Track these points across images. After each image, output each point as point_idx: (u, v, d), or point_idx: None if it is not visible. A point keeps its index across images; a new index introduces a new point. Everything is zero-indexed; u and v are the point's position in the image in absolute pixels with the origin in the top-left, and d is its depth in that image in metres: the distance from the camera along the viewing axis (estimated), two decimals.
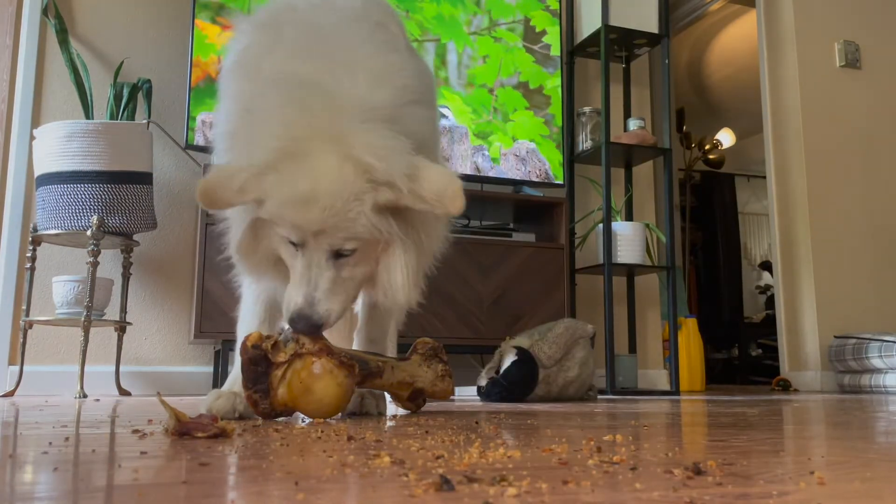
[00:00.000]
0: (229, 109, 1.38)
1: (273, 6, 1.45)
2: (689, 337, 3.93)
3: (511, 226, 3.56)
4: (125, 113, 2.94)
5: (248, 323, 1.50)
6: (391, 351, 1.78)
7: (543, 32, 3.62)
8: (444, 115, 3.35)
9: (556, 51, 3.62)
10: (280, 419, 1.41)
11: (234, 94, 1.37)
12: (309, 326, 1.27)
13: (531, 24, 3.61)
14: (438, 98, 1.72)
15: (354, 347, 1.66)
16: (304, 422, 1.35)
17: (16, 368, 2.83)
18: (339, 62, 1.26)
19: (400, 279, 1.26)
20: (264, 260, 1.33)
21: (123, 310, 2.89)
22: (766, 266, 7.22)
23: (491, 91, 3.46)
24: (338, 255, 1.26)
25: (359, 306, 1.70)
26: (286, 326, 1.36)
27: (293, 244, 1.26)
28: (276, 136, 1.18)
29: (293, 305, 1.26)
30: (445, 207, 1.20)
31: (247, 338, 1.34)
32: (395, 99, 1.24)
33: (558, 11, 3.66)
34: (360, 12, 1.41)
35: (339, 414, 1.55)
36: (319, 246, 1.24)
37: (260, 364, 1.33)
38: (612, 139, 3.55)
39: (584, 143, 3.70)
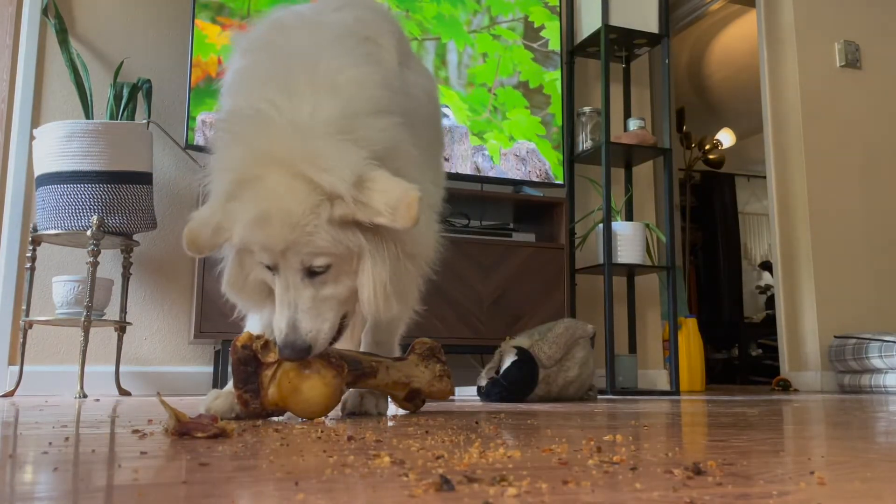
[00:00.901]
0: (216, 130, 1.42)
1: (266, 25, 1.46)
2: (689, 337, 3.93)
3: (511, 226, 3.56)
4: (125, 113, 2.94)
5: (251, 328, 1.51)
6: (395, 352, 1.78)
7: (542, 29, 3.62)
8: (445, 115, 3.35)
9: (555, 45, 3.62)
10: (280, 419, 1.41)
11: (215, 127, 1.41)
12: (296, 352, 1.27)
13: (530, 20, 3.61)
14: (435, 104, 1.69)
15: (361, 349, 1.66)
16: (303, 422, 1.35)
17: (16, 368, 2.83)
18: (298, 84, 1.26)
19: (368, 293, 1.25)
20: (256, 291, 1.35)
21: (123, 310, 2.89)
22: (766, 266, 7.22)
23: (490, 90, 3.46)
24: (312, 273, 1.26)
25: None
26: None
27: (270, 269, 1.28)
28: (232, 167, 1.21)
29: (278, 333, 1.28)
30: (400, 220, 1.18)
31: (237, 339, 1.35)
32: (347, 111, 1.23)
33: (557, 8, 3.66)
34: (347, 29, 1.41)
35: (331, 413, 1.55)
36: (290, 265, 1.24)
37: (249, 364, 1.34)
38: (612, 139, 3.55)
39: (584, 143, 3.70)
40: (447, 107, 3.36)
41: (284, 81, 1.27)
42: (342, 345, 1.46)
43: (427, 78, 1.67)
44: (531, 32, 3.60)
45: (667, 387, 3.79)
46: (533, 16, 3.61)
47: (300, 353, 1.28)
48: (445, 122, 3.34)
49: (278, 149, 1.19)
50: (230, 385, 1.45)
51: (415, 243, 1.31)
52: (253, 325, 1.53)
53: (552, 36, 3.63)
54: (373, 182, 1.19)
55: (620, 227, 3.50)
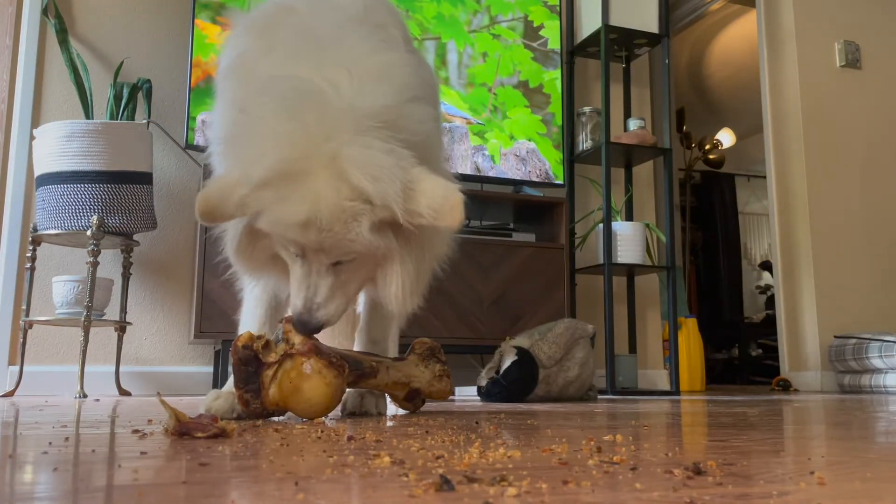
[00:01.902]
0: (224, 113, 1.38)
1: (270, 7, 1.43)
2: (689, 337, 3.93)
3: (511, 226, 3.56)
4: (125, 113, 2.94)
5: (248, 325, 1.51)
6: (392, 352, 1.77)
7: (542, 28, 3.62)
8: (445, 119, 3.35)
9: (554, 44, 3.62)
10: (280, 419, 1.41)
11: (230, 99, 1.36)
12: (308, 331, 1.31)
13: (530, 19, 3.61)
14: (440, 96, 1.68)
15: (356, 348, 1.66)
16: (303, 422, 1.35)
17: (16, 368, 2.83)
18: (332, 66, 1.23)
19: (395, 290, 1.26)
20: (262, 259, 1.34)
21: (123, 310, 2.89)
22: (766, 266, 7.22)
23: (490, 90, 3.46)
24: (336, 262, 1.27)
25: (360, 307, 1.71)
26: (279, 327, 1.37)
27: (293, 253, 1.28)
28: (271, 153, 1.16)
29: (293, 309, 1.29)
30: (444, 221, 1.17)
31: (237, 338, 1.35)
32: (391, 100, 1.21)
33: (557, 7, 3.66)
34: (359, 14, 1.39)
35: (331, 413, 1.55)
36: (318, 258, 1.25)
37: (250, 364, 1.34)
38: (612, 139, 3.55)
39: (584, 142, 3.71)
40: (443, 102, 3.36)
41: (317, 63, 1.22)
42: (336, 343, 1.46)
43: (429, 71, 1.66)
44: (531, 32, 3.60)
45: (667, 387, 3.79)
46: (533, 15, 3.61)
47: (312, 332, 1.31)
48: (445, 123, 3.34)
49: (326, 142, 1.14)
50: (230, 384, 1.45)
51: (437, 243, 1.33)
52: (249, 322, 1.52)
53: (552, 35, 3.63)
54: (416, 183, 1.16)
55: (620, 227, 3.50)
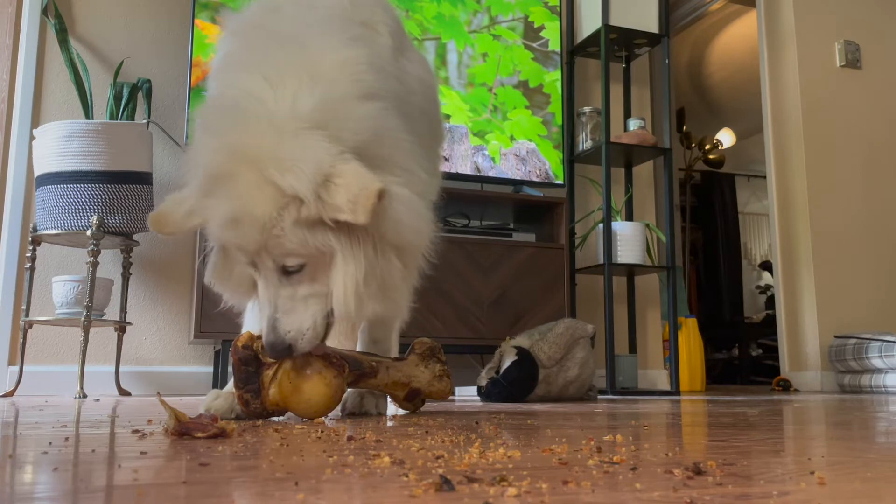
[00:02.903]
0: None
1: (256, 7, 1.43)
2: (690, 337, 3.93)
3: (511, 226, 3.56)
4: (125, 113, 2.94)
5: (249, 326, 1.51)
6: (394, 351, 1.77)
7: (542, 29, 3.62)
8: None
9: (555, 45, 3.62)
10: (280, 419, 1.41)
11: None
12: (276, 353, 1.26)
13: (530, 20, 3.61)
14: (429, 96, 1.64)
15: (357, 348, 1.66)
16: (303, 422, 1.35)
17: (16, 368, 2.83)
18: (282, 71, 1.23)
19: (339, 293, 1.21)
20: (241, 283, 1.34)
21: (123, 310, 2.89)
22: (766, 266, 7.22)
23: (490, 90, 3.47)
24: (288, 272, 1.24)
25: None
26: None
27: (251, 266, 1.28)
28: (204, 160, 1.20)
29: (262, 333, 1.28)
30: (358, 215, 1.13)
31: (238, 338, 1.34)
32: (326, 101, 1.20)
33: (557, 7, 3.66)
34: (343, 12, 1.39)
35: (331, 413, 1.55)
36: (266, 265, 1.24)
37: (250, 364, 1.34)
38: (612, 139, 3.55)
39: (585, 142, 3.70)
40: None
41: (267, 69, 1.23)
42: (337, 343, 1.45)
43: (425, 70, 1.63)
44: (531, 32, 3.60)
45: (667, 387, 3.79)
46: (533, 16, 3.61)
47: (280, 353, 1.26)
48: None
49: (249, 146, 1.16)
50: (230, 385, 1.45)
51: (399, 234, 1.24)
52: (251, 323, 1.52)
53: (552, 36, 3.63)
54: (340, 178, 1.14)
55: (620, 227, 3.50)
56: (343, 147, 1.17)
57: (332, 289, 1.22)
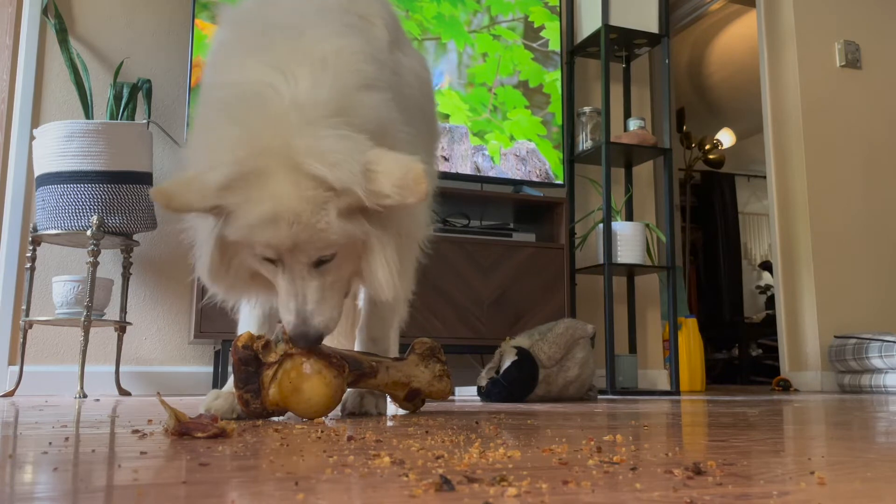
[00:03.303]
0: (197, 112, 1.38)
1: (252, 1, 1.43)
2: (690, 337, 3.93)
3: (511, 226, 3.56)
4: (125, 113, 2.94)
5: (247, 325, 1.51)
6: (393, 350, 1.77)
7: (542, 29, 3.62)
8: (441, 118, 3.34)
9: (555, 45, 3.62)
10: (280, 419, 1.41)
11: (200, 99, 1.37)
12: (309, 342, 1.27)
13: (530, 20, 3.61)
14: (424, 91, 1.64)
15: (356, 347, 1.66)
16: (303, 422, 1.35)
17: (16, 368, 2.83)
18: (281, 61, 1.22)
19: (382, 275, 1.23)
20: (239, 278, 1.31)
21: (123, 310, 2.89)
22: (766, 266, 7.22)
23: (490, 90, 3.46)
24: (318, 262, 1.24)
25: (360, 301, 1.70)
26: (279, 327, 1.36)
27: (270, 260, 1.24)
28: (231, 154, 1.15)
29: (287, 324, 1.26)
30: (411, 196, 1.15)
31: (238, 338, 1.34)
32: (339, 89, 1.19)
33: (557, 8, 3.66)
34: (339, 4, 1.38)
35: (331, 413, 1.55)
36: (297, 258, 1.22)
37: (250, 364, 1.33)
38: (612, 139, 3.55)
39: (585, 142, 3.71)
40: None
41: (272, 57, 1.22)
42: (336, 342, 1.45)
43: (422, 66, 1.63)
44: (531, 32, 3.60)
45: (667, 387, 3.79)
46: (533, 16, 3.61)
47: (314, 343, 1.28)
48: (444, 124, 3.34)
49: (280, 139, 1.14)
50: (229, 384, 1.45)
51: (410, 223, 1.29)
52: (248, 322, 1.52)
53: (552, 36, 3.63)
54: (376, 164, 1.15)
55: (620, 227, 3.50)
56: (365, 136, 1.18)
57: (374, 271, 1.24)
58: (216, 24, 1.51)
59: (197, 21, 3.04)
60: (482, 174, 3.38)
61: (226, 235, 1.20)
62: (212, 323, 2.75)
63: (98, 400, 2.38)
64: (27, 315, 2.79)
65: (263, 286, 1.33)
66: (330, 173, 1.13)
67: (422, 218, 1.35)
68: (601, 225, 3.48)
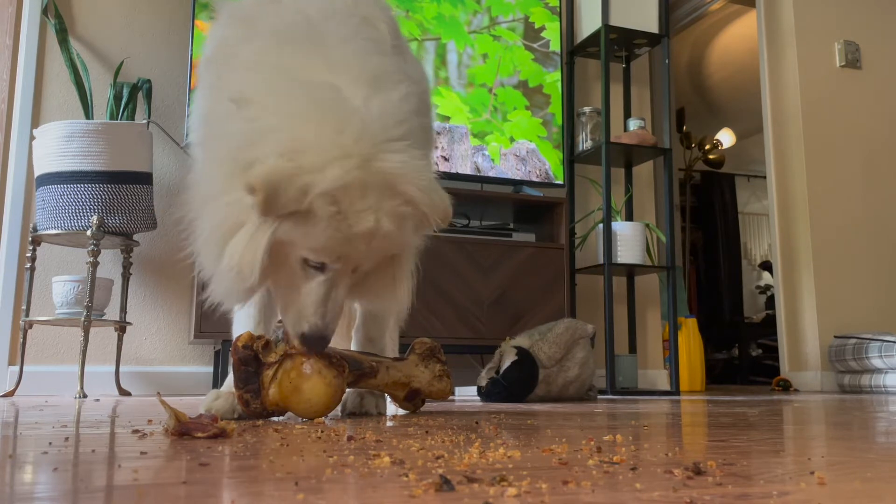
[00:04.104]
0: (208, 96, 1.37)
1: None
2: (689, 337, 3.93)
3: (511, 226, 3.56)
4: (125, 113, 2.94)
5: (243, 325, 1.50)
6: (391, 350, 1.77)
7: (542, 29, 3.62)
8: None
9: (555, 45, 3.62)
10: (280, 419, 1.41)
11: (212, 83, 1.35)
12: (324, 344, 1.29)
13: (530, 20, 3.61)
14: (424, 95, 1.66)
15: (352, 347, 1.66)
16: (303, 422, 1.35)
17: (16, 368, 2.83)
18: (334, 61, 1.23)
19: (406, 288, 1.31)
20: (284, 277, 1.29)
21: (123, 310, 2.89)
22: (766, 266, 7.22)
23: (490, 90, 3.46)
24: (354, 271, 1.28)
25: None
26: (278, 326, 1.36)
27: (315, 266, 1.23)
28: (332, 170, 1.12)
29: (309, 326, 1.25)
30: (443, 224, 1.25)
31: (237, 338, 1.34)
32: (402, 112, 1.23)
33: (557, 8, 3.66)
34: (347, 6, 1.38)
35: (331, 413, 1.55)
36: (348, 268, 1.25)
37: (250, 364, 1.34)
38: (612, 139, 3.55)
39: (584, 143, 3.71)
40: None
41: (319, 55, 1.24)
42: (334, 342, 1.46)
43: (421, 73, 1.65)
44: (531, 33, 3.60)
45: (667, 387, 3.79)
46: (533, 16, 3.61)
47: (325, 345, 1.30)
48: (444, 124, 3.34)
49: (373, 154, 1.16)
50: (227, 383, 1.45)
51: (418, 241, 1.38)
52: (245, 322, 1.50)
53: (552, 37, 3.63)
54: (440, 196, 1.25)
55: (620, 227, 3.50)
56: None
57: (400, 283, 1.31)
58: (215, 20, 1.49)
59: (197, 21, 3.04)
60: (482, 174, 3.38)
61: (292, 239, 1.17)
62: (212, 323, 2.75)
63: (98, 400, 2.38)
64: (27, 315, 2.79)
65: (287, 286, 1.28)
66: (421, 197, 1.19)
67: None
68: (601, 225, 3.48)
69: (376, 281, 1.31)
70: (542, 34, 3.62)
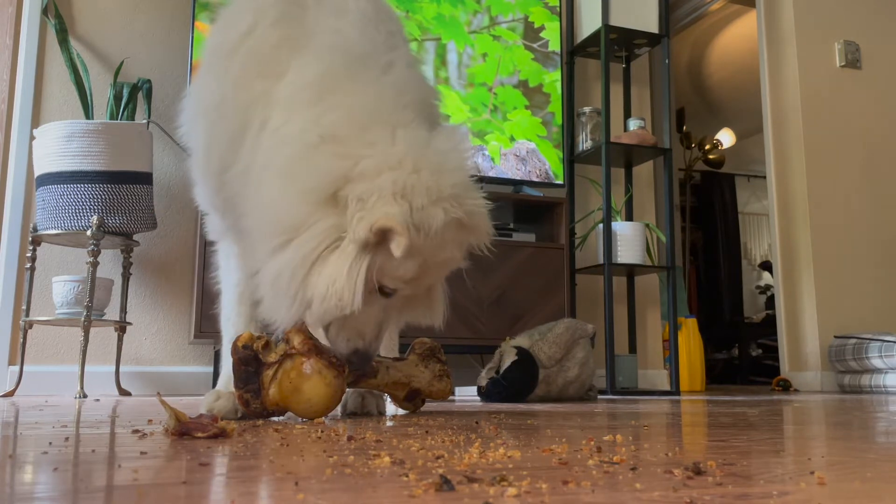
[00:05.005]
0: (222, 94, 1.35)
1: None
2: (689, 337, 3.93)
3: (511, 226, 3.56)
4: (125, 113, 2.94)
5: (235, 323, 1.50)
6: (390, 350, 1.77)
7: (542, 30, 3.62)
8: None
9: (555, 45, 3.62)
10: (280, 419, 1.41)
11: (234, 84, 1.33)
12: (368, 363, 1.36)
13: (530, 20, 3.61)
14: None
15: None
16: (303, 422, 1.35)
17: (16, 368, 2.83)
18: (392, 98, 1.30)
19: (442, 305, 1.42)
20: (368, 302, 1.33)
21: (123, 310, 2.89)
22: (766, 266, 7.22)
23: (490, 90, 3.47)
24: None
25: None
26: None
27: (386, 293, 1.30)
28: (414, 199, 1.22)
29: (364, 345, 1.32)
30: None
31: (238, 338, 1.34)
32: (458, 150, 1.32)
33: (557, 8, 3.66)
34: (370, 17, 1.40)
35: (331, 413, 1.55)
36: (409, 292, 1.33)
37: (250, 364, 1.34)
38: (612, 139, 3.55)
39: (584, 143, 3.71)
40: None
41: (382, 87, 1.31)
42: None
43: (428, 84, 1.69)
44: (531, 33, 3.60)
45: (667, 387, 3.79)
46: (533, 16, 3.61)
47: (368, 363, 1.39)
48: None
49: (444, 190, 1.24)
50: (227, 385, 1.45)
51: None
52: (242, 323, 1.50)
53: (552, 37, 3.63)
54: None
55: (620, 227, 3.50)
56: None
57: (438, 301, 1.44)
58: (227, 8, 1.46)
59: (197, 22, 3.04)
60: (482, 174, 3.37)
61: (382, 267, 1.25)
62: (212, 323, 2.74)
63: (98, 400, 2.38)
64: (27, 315, 2.79)
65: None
66: (487, 232, 1.32)
67: None
68: (601, 225, 3.48)
69: (417, 300, 1.38)
70: (542, 34, 3.62)
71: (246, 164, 1.31)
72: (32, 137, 2.83)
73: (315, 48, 1.33)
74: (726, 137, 7.20)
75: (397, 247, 1.19)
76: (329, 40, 1.34)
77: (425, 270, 1.29)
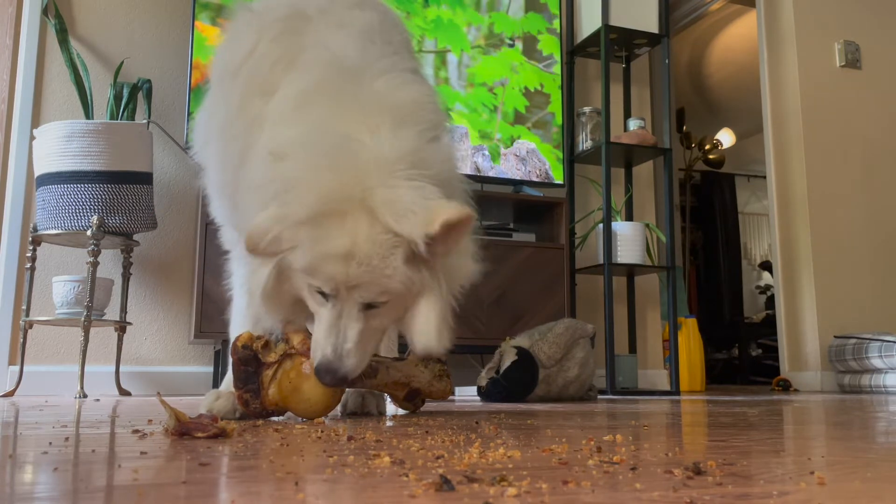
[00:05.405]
0: (228, 115, 1.38)
1: (282, 10, 1.42)
2: (689, 337, 3.93)
3: (511, 226, 3.56)
4: (125, 113, 2.94)
5: (244, 326, 1.50)
6: (390, 350, 1.77)
7: (538, 42, 3.62)
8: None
9: (554, 52, 3.62)
10: (280, 419, 1.41)
11: (239, 105, 1.37)
12: (336, 380, 1.27)
13: (538, 46, 3.60)
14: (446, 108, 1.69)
15: None
16: (303, 422, 1.35)
17: (16, 368, 2.83)
18: (363, 111, 1.27)
19: (432, 326, 1.27)
20: (286, 301, 1.33)
21: (123, 310, 2.89)
22: (766, 266, 7.22)
23: (491, 90, 3.46)
24: (368, 306, 1.27)
25: None
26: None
27: (322, 294, 1.26)
28: (309, 197, 1.19)
29: (320, 356, 1.26)
30: (454, 244, 1.25)
31: (237, 338, 1.35)
32: (416, 144, 1.26)
33: (558, 30, 3.65)
34: (373, 29, 1.40)
35: (331, 413, 1.55)
36: (351, 298, 1.25)
37: (250, 364, 1.34)
38: (612, 139, 3.55)
39: (584, 143, 3.71)
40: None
41: (344, 97, 1.28)
42: None
43: (432, 89, 1.67)
44: (531, 46, 3.60)
45: (667, 387, 3.79)
46: (541, 44, 3.60)
47: (339, 382, 1.28)
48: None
49: (361, 189, 1.19)
50: (226, 383, 1.45)
51: (462, 274, 1.38)
52: (241, 323, 1.51)
53: (553, 50, 3.63)
54: (437, 217, 1.20)
55: (620, 227, 3.50)
56: (439, 185, 1.24)
57: (422, 322, 1.28)
58: (234, 23, 1.48)
59: (197, 23, 3.04)
60: (482, 174, 3.38)
61: (290, 262, 1.23)
62: (212, 323, 2.75)
63: (98, 400, 2.38)
64: (27, 315, 2.79)
65: (300, 311, 1.34)
66: (396, 223, 1.19)
67: (472, 266, 1.43)
68: (601, 225, 3.48)
69: (407, 319, 1.30)
70: (538, 46, 3.61)
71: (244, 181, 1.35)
72: (32, 137, 2.83)
73: (304, 64, 1.34)
74: (726, 137, 7.20)
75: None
76: (320, 55, 1.35)
77: (326, 263, 1.22)
